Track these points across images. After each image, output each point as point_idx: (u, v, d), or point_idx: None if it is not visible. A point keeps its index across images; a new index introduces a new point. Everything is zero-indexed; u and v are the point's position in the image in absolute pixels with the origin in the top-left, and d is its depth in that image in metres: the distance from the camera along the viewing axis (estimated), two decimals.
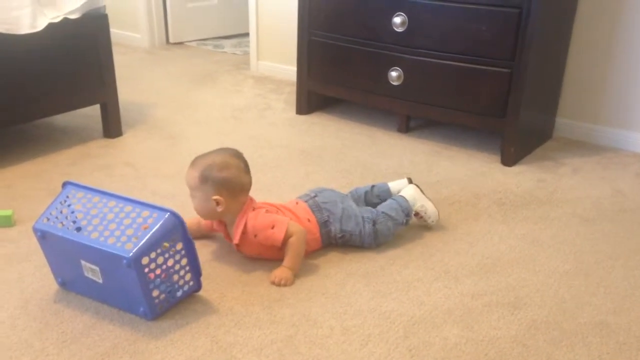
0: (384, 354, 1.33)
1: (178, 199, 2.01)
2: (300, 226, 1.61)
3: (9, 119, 2.20)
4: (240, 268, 1.64)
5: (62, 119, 2.67)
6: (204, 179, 1.55)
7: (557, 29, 2.42)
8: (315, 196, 1.73)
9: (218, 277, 1.60)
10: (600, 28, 2.49)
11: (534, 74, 2.26)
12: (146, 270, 1.34)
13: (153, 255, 1.34)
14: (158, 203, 1.98)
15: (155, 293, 1.39)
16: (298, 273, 1.59)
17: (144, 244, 1.32)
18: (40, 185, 2.08)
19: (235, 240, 1.61)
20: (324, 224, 1.69)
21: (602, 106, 2.58)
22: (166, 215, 1.37)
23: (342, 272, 1.63)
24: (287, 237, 1.57)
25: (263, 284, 1.57)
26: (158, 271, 1.39)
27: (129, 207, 1.40)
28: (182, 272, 1.43)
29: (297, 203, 1.72)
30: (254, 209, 1.61)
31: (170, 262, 1.40)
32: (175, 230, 1.38)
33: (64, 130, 2.60)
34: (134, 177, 2.17)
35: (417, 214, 1.80)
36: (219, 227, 1.69)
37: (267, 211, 1.61)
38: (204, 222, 1.73)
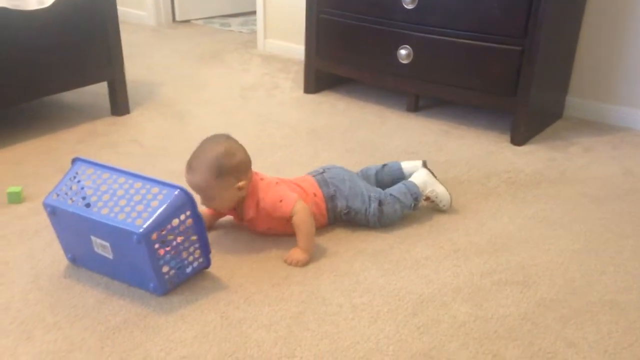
0: (392, 331, 1.33)
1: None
2: (304, 204, 1.59)
3: (17, 96, 2.20)
4: (249, 246, 1.64)
5: (70, 97, 2.67)
6: (219, 173, 1.50)
7: (569, 6, 2.39)
8: (323, 172, 1.74)
9: (227, 254, 1.60)
10: (613, 6, 2.45)
11: (545, 52, 2.23)
12: (156, 246, 1.35)
13: (163, 231, 1.35)
14: (166, 180, 1.98)
15: (165, 269, 1.40)
16: (313, 253, 1.58)
17: (154, 220, 1.32)
18: (49, 163, 2.08)
19: (252, 214, 1.60)
20: (330, 199, 1.68)
21: (614, 85, 2.55)
22: (176, 192, 1.36)
23: (350, 250, 1.63)
24: (294, 212, 1.56)
25: (272, 261, 1.57)
26: (168, 247, 1.39)
27: (138, 184, 1.40)
28: (191, 249, 1.43)
29: (305, 176, 1.73)
30: (261, 179, 1.60)
31: (180, 239, 1.40)
32: (185, 207, 1.37)
33: (72, 107, 2.59)
34: (141, 155, 2.17)
35: (427, 198, 1.79)
36: (228, 211, 1.66)
37: (277, 183, 1.61)
38: (210, 212, 1.68)
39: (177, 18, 4.23)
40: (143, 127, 2.43)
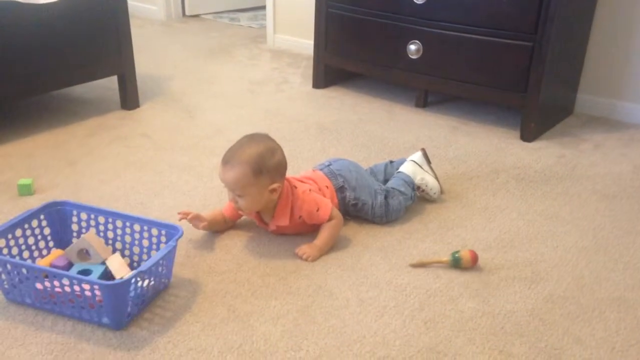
0: (399, 325, 1.33)
1: (195, 170, 2.02)
2: (337, 210, 1.62)
3: (29, 89, 2.21)
4: (256, 240, 1.64)
5: (80, 90, 2.68)
6: (258, 172, 1.46)
7: (580, 3, 2.37)
8: (329, 164, 1.75)
9: (235, 248, 1.61)
10: (625, 1, 2.43)
11: (556, 48, 2.22)
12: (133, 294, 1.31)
13: (132, 287, 1.28)
14: (175, 175, 2.00)
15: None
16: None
17: (116, 305, 1.27)
18: (59, 155, 2.10)
19: (285, 222, 1.57)
20: (339, 190, 1.69)
21: (625, 82, 2.53)
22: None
23: (358, 245, 1.63)
24: (330, 218, 1.58)
25: (279, 255, 1.57)
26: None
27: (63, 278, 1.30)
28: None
29: (313, 171, 1.73)
30: (295, 187, 1.59)
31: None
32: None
33: (82, 101, 2.61)
34: (150, 148, 2.18)
35: (418, 188, 1.80)
36: (250, 213, 1.62)
37: (310, 190, 1.60)
38: (227, 214, 1.65)
39: (187, 12, 4.24)
40: (152, 121, 2.44)
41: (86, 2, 2.25)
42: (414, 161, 1.84)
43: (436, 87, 2.53)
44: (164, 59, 3.25)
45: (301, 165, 2.01)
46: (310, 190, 1.61)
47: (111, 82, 2.56)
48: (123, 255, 1.51)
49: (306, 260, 1.55)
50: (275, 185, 1.51)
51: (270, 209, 1.58)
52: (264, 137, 1.55)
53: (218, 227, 1.66)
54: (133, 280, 1.26)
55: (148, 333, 1.29)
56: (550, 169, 2.11)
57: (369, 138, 2.32)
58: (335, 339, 1.29)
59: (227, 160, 1.49)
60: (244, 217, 1.70)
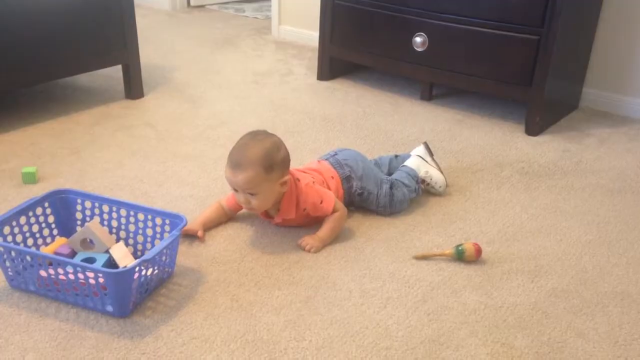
0: (402, 317, 1.34)
1: (199, 160, 2.02)
2: (340, 202, 1.62)
3: (34, 77, 2.21)
4: (259, 230, 1.64)
5: (85, 80, 2.68)
6: (269, 169, 1.47)
7: None
8: (335, 154, 1.75)
9: (238, 238, 1.61)
10: None
11: (562, 42, 2.20)
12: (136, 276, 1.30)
13: (136, 275, 1.28)
14: (179, 164, 2.00)
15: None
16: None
17: (119, 293, 1.28)
18: (63, 144, 2.10)
19: (292, 215, 1.58)
20: (346, 179, 1.69)
21: (630, 77, 2.51)
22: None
23: (362, 236, 1.63)
24: (334, 210, 1.58)
25: (283, 246, 1.58)
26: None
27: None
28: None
29: (319, 162, 1.73)
30: (299, 180, 1.59)
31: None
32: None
33: (87, 90, 2.61)
34: (154, 138, 2.18)
35: (423, 182, 1.80)
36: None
37: (314, 182, 1.60)
38: (229, 205, 1.65)
39: (192, 3, 4.22)
40: (157, 110, 2.44)
41: None
42: (419, 155, 1.84)
43: (441, 79, 2.52)
44: (169, 49, 3.24)
45: (306, 157, 2.01)
46: (313, 182, 1.61)
47: (116, 72, 2.56)
48: (127, 244, 1.51)
49: (309, 251, 1.55)
50: (285, 178, 1.52)
51: (276, 203, 1.58)
52: (266, 133, 1.55)
53: (220, 221, 1.65)
54: (137, 268, 1.27)
55: (152, 321, 1.30)
56: (554, 163, 2.10)
57: (374, 130, 2.32)
58: (338, 330, 1.29)
59: (236, 164, 1.47)
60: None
